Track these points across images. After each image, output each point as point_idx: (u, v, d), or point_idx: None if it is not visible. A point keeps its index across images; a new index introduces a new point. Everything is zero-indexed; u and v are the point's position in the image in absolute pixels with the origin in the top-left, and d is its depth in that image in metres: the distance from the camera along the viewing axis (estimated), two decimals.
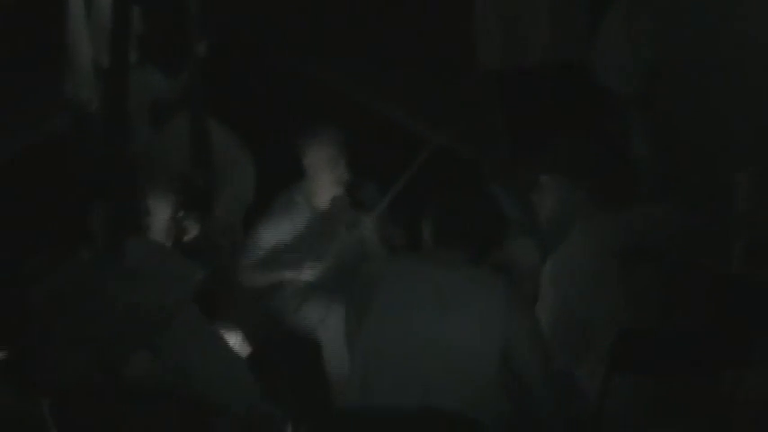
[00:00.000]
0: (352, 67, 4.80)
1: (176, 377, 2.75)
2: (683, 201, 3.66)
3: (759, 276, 3.39)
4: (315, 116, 4.21)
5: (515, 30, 4.23)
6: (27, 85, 4.11)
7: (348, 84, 4.79)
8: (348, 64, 4.80)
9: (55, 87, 4.08)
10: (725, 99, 3.82)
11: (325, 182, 3.96)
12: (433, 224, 2.92)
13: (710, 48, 3.84)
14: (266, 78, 4.83)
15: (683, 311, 3.00)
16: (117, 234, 2.71)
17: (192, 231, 3.63)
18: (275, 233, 3.99)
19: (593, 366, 2.98)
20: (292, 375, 3.81)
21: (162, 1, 4.22)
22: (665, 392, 2.94)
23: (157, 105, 4.27)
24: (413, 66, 4.71)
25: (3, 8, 4.19)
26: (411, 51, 4.71)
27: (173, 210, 3.49)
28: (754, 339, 2.89)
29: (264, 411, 2.99)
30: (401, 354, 2.78)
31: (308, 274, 3.90)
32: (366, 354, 2.83)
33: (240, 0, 4.70)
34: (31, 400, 2.72)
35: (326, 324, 3.78)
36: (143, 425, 2.69)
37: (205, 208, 3.96)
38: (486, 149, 4.34)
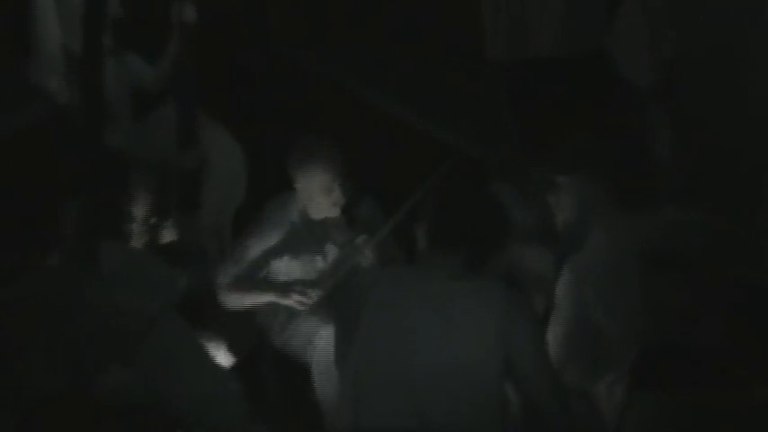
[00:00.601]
0: (351, 62, 4.71)
1: (155, 392, 2.68)
2: (709, 203, 3.62)
3: None
4: (309, 128, 4.01)
5: (526, 18, 4.15)
6: None
7: (347, 79, 4.71)
8: (347, 58, 4.72)
9: (22, 77, 3.98)
10: (752, 92, 3.76)
11: (319, 205, 3.78)
12: (428, 226, 2.83)
13: (737, 36, 3.78)
14: (259, 70, 4.72)
15: (711, 324, 2.94)
16: (92, 236, 2.63)
17: (169, 235, 3.57)
18: (264, 247, 3.78)
19: (610, 384, 2.95)
20: (282, 393, 3.74)
21: None
22: (690, 413, 2.82)
23: (140, 95, 4.18)
24: (414, 58, 4.63)
25: None
26: (413, 43, 4.64)
27: (148, 212, 3.43)
28: None
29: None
30: (395, 371, 2.72)
31: (297, 302, 3.70)
32: (357, 373, 2.77)
33: None
34: None
35: (315, 345, 3.65)
36: None
37: (188, 207, 3.94)
38: (492, 147, 4.25)
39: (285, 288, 3.76)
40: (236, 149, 4.25)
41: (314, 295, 3.71)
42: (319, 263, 3.82)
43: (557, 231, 3.20)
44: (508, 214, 2.95)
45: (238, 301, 3.78)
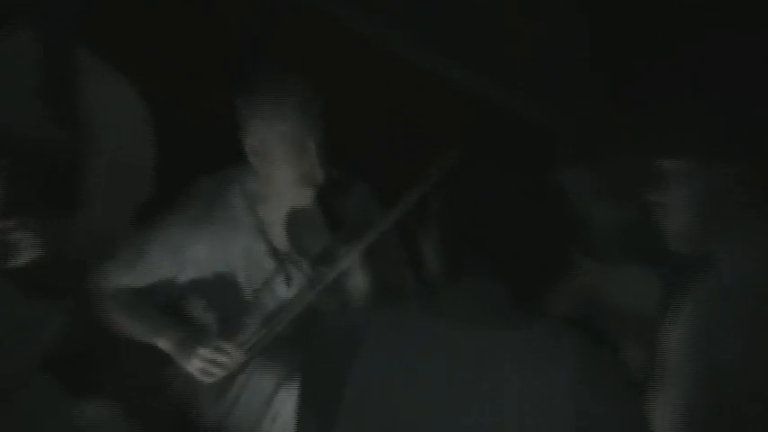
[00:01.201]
0: None
1: None
2: None
3: None
4: (269, 57, 3.88)
5: None
6: None
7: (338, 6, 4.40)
8: None
9: None
10: None
11: (280, 182, 3.39)
12: (439, 233, 2.66)
13: None
14: None
15: None
16: None
17: (28, 250, 3.45)
18: (181, 248, 3.47)
19: None
20: None
21: None
22: None
23: None
24: None
25: None
26: None
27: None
28: None
29: None
30: None
31: (198, 369, 3.34)
32: None
33: None
34: None
35: (274, 417, 3.53)
36: None
37: (63, 207, 3.74)
38: (556, 113, 4.15)
39: (186, 337, 3.40)
40: (139, 110, 3.94)
41: (245, 351, 3.39)
42: (279, 287, 3.52)
43: (664, 246, 3.10)
44: (580, 218, 2.87)
45: (123, 323, 3.51)
